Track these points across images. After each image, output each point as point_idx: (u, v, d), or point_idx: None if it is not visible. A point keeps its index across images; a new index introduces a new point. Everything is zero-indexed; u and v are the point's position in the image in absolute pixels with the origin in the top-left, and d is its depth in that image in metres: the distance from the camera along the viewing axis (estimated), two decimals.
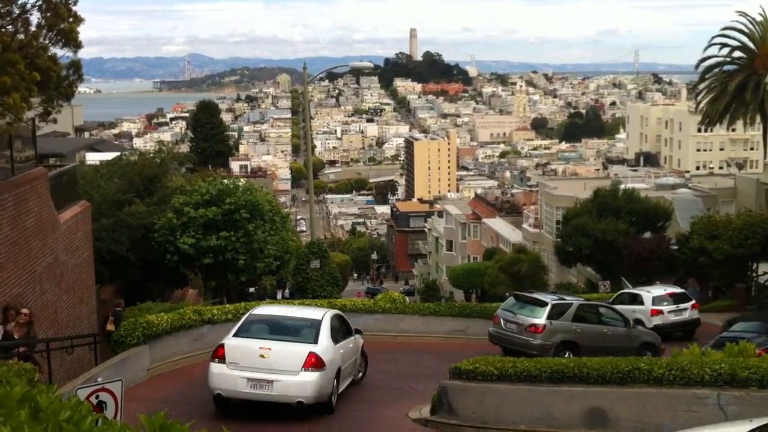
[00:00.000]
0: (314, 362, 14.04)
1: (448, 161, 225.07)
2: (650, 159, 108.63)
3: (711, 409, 11.82)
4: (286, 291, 38.46)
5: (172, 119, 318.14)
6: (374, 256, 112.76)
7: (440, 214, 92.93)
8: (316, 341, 14.58)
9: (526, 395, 13.21)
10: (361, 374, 17.63)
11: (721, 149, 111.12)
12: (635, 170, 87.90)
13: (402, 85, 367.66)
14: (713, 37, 46.61)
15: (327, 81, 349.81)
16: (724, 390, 11.90)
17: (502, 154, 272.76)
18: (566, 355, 18.24)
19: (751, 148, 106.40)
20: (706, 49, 46.85)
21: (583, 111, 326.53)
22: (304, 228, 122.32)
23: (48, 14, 14.99)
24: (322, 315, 15.62)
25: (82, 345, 17.31)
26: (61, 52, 15.67)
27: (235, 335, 14.75)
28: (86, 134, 61.29)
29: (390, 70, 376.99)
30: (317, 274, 29.93)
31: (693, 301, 29.04)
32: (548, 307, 20.27)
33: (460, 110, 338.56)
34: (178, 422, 4.09)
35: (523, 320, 20.34)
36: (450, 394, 13.88)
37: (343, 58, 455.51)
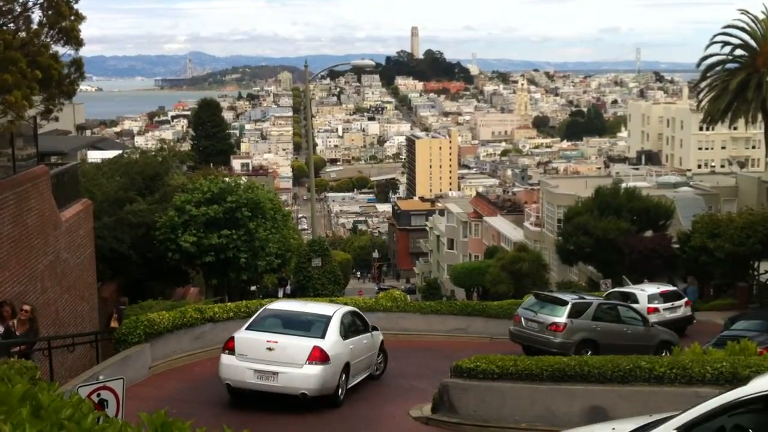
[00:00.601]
0: (318, 356, 14.30)
1: (450, 159, 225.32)
2: (652, 157, 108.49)
3: None
4: (287, 289, 38.43)
5: (173, 117, 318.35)
6: (375, 254, 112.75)
7: (441, 212, 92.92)
8: (323, 336, 14.82)
9: (528, 394, 13.20)
10: (379, 371, 17.77)
11: (723, 147, 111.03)
12: (637, 169, 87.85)
13: (403, 83, 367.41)
14: (715, 35, 46.49)
15: (328, 79, 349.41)
16: (725, 389, 11.88)
17: (504, 153, 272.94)
18: (587, 353, 18.44)
19: (753, 147, 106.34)
20: (707, 47, 46.76)
21: (585, 109, 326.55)
22: (305, 226, 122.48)
23: (49, 12, 14.99)
24: (334, 311, 15.81)
25: (84, 343, 17.32)
26: (62, 50, 15.67)
27: (247, 329, 15.14)
28: (88, 132, 61.32)
29: (391, 69, 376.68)
30: (318, 272, 29.96)
31: (686, 299, 29.35)
32: (569, 306, 20.53)
33: (462, 108, 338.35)
34: (179, 420, 4.09)
35: (544, 319, 20.57)
36: (451, 393, 13.88)
37: (344, 56, 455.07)
